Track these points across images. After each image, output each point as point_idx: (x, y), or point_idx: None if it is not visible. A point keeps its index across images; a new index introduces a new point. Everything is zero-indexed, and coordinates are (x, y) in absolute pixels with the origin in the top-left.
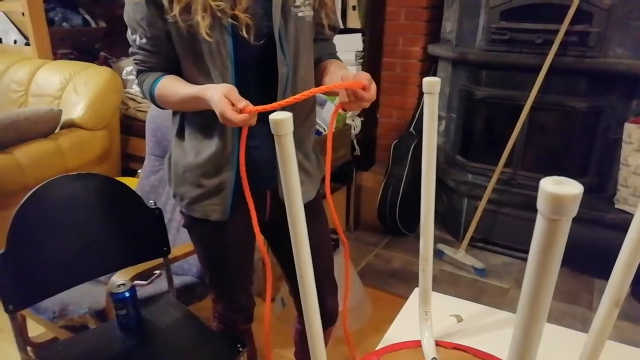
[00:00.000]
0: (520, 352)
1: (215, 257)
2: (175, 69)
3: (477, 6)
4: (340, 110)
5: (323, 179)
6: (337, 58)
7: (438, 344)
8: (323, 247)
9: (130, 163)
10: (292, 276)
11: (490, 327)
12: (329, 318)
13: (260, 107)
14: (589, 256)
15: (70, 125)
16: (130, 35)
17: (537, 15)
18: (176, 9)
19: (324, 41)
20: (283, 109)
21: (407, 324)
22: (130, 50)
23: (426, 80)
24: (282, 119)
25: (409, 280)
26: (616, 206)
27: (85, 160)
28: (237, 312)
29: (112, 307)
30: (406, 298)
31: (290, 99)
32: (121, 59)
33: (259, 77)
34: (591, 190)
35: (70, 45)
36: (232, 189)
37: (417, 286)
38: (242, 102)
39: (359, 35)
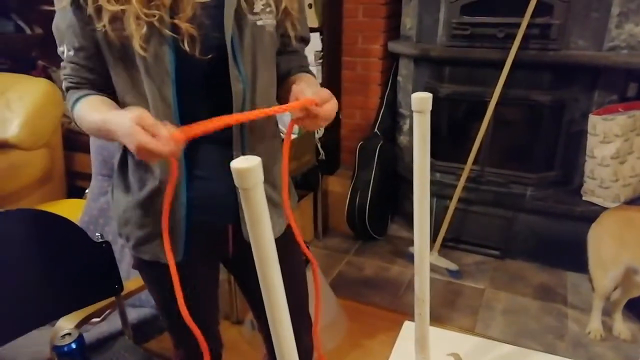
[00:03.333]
0: None
1: (171, 302)
2: (110, 89)
3: (437, 1)
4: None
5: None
6: (309, 71)
7: None
8: (297, 282)
9: (77, 181)
10: (256, 306)
11: None
12: (306, 358)
13: (195, 128)
14: (559, 250)
15: (4, 145)
16: (58, 48)
17: (498, 9)
18: (105, 18)
19: (291, 54)
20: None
21: None
22: (61, 64)
23: (416, 96)
24: (247, 168)
25: (383, 287)
26: (584, 198)
27: (24, 184)
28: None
29: None
30: (382, 308)
31: (232, 117)
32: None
33: (208, 98)
34: (558, 183)
35: (3, 54)
36: (184, 226)
37: (392, 293)
38: (162, 128)
39: (317, 34)
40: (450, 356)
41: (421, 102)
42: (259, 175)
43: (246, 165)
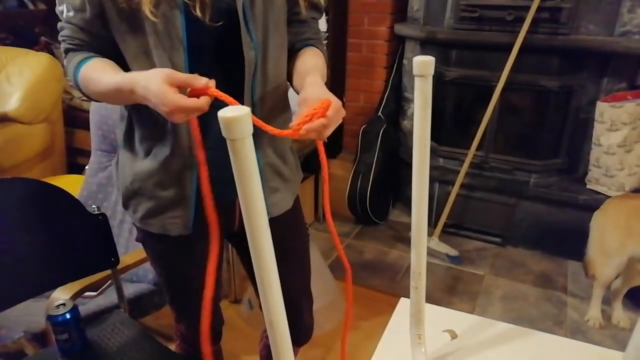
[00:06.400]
0: None
1: (176, 276)
2: (112, 53)
3: None
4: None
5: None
6: (319, 45)
7: None
8: (302, 262)
9: (77, 158)
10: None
11: (489, 343)
12: (305, 335)
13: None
14: (561, 238)
15: (3, 119)
16: (57, 7)
17: None
18: None
19: (300, 25)
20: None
21: (395, 346)
22: (59, 25)
23: (417, 59)
24: (235, 117)
25: (382, 271)
26: (588, 187)
27: (24, 158)
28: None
29: (51, 330)
30: (380, 290)
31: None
32: None
33: (219, 66)
34: (563, 171)
35: (6, 29)
36: (195, 198)
37: (391, 277)
38: (199, 80)
39: (322, 14)
40: (446, 332)
41: (423, 65)
42: (248, 126)
43: (234, 114)
